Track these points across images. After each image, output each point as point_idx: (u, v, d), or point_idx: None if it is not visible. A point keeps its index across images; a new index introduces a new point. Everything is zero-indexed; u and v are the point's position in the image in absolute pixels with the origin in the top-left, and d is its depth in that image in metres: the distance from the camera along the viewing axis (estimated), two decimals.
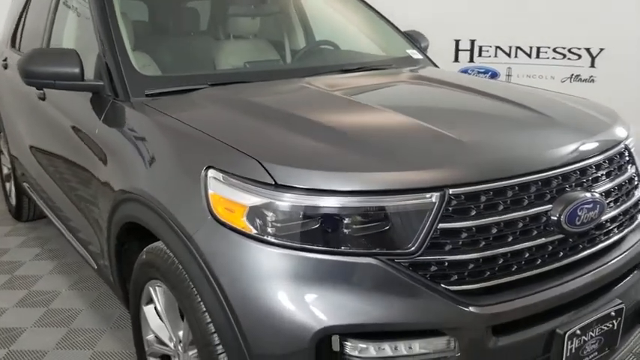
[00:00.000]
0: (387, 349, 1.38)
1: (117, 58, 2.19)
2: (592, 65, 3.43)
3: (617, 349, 1.72)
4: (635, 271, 1.77)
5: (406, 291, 1.37)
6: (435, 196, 1.40)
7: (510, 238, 1.46)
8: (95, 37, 2.33)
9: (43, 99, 2.72)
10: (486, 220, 1.43)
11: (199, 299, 1.55)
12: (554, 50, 3.54)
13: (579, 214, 1.52)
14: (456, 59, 3.81)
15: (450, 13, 3.67)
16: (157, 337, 1.95)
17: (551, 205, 1.52)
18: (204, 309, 1.54)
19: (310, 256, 1.38)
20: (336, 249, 1.38)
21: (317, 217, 1.39)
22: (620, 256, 1.68)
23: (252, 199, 1.43)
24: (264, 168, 1.44)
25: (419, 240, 1.38)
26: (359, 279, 1.37)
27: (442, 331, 1.40)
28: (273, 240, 1.40)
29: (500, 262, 1.45)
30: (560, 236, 1.53)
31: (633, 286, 1.74)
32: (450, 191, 1.41)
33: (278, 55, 2.81)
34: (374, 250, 1.38)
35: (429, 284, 1.38)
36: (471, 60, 3.84)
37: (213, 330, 1.52)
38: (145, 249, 1.84)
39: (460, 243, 1.41)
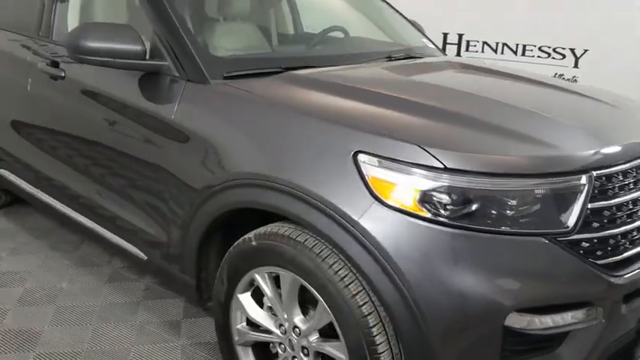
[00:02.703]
0: (549, 320, 1.48)
1: (182, 39, 2.08)
2: (575, 66, 3.74)
3: None
4: None
5: (569, 267, 1.50)
6: (584, 178, 1.51)
7: (637, 214, 1.61)
8: (144, 14, 2.16)
9: (62, 78, 2.45)
10: (620, 199, 1.59)
11: (347, 283, 1.55)
12: (540, 49, 3.83)
13: None
14: (443, 52, 3.97)
15: (439, 6, 3.83)
16: (253, 324, 1.91)
17: None
18: (355, 292, 1.54)
19: (486, 237, 1.45)
20: (507, 229, 1.46)
21: (487, 198, 1.47)
22: None
23: (424, 183, 1.47)
24: (429, 153, 1.48)
25: (574, 219, 1.49)
26: (530, 257, 1.47)
27: (590, 301, 1.51)
28: (449, 222, 1.46)
29: (629, 237, 1.60)
30: None
31: None
32: (595, 173, 1.53)
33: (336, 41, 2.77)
34: (539, 230, 1.48)
35: (584, 260, 1.50)
36: (458, 54, 4.04)
37: (367, 313, 1.54)
38: (252, 235, 1.78)
39: (605, 220, 1.54)
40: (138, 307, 2.68)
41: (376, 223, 1.48)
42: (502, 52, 3.87)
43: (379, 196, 1.49)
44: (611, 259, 1.56)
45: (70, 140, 2.53)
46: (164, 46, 2.09)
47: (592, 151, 1.61)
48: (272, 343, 1.90)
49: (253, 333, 1.92)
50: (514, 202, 1.46)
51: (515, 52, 3.84)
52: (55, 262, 3.07)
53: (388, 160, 1.51)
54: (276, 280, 1.81)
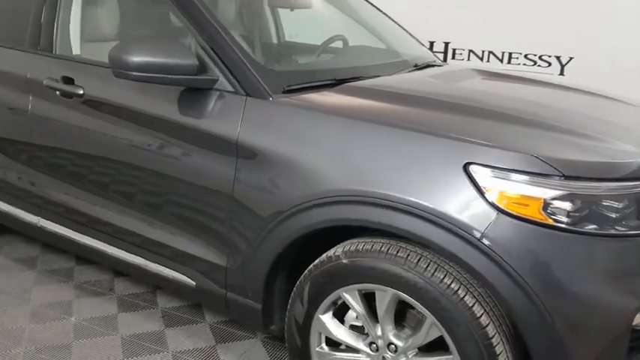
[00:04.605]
0: None
1: (235, 53, 2.02)
2: (561, 73, 3.95)
3: None
4: None
5: None
6: None
7: None
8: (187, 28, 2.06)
9: (79, 95, 2.26)
10: None
11: (462, 295, 1.58)
12: (526, 57, 4.02)
13: None
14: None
15: (425, 15, 3.94)
16: (333, 345, 1.89)
17: None
18: (471, 304, 1.58)
19: (605, 240, 1.53)
20: (620, 231, 1.54)
21: (602, 203, 1.54)
22: None
23: (548, 192, 1.51)
24: (546, 162, 1.53)
25: None
26: None
27: None
28: (572, 228, 1.52)
29: None
30: None
31: None
32: None
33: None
34: None
35: None
36: (445, 61, 4.14)
37: (485, 324, 1.57)
38: (340, 252, 1.76)
39: None
40: (164, 335, 2.53)
41: (503, 234, 1.51)
42: (488, 60, 4.05)
43: (502, 207, 1.52)
44: None
45: (94, 164, 2.35)
46: (213, 61, 2.01)
47: None
48: None
49: (338, 354, 1.88)
50: (625, 205, 1.54)
51: (502, 60, 4.03)
52: (51, 295, 2.83)
53: (505, 171, 1.54)
54: (365, 297, 1.79)
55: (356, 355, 1.85)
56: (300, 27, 3.22)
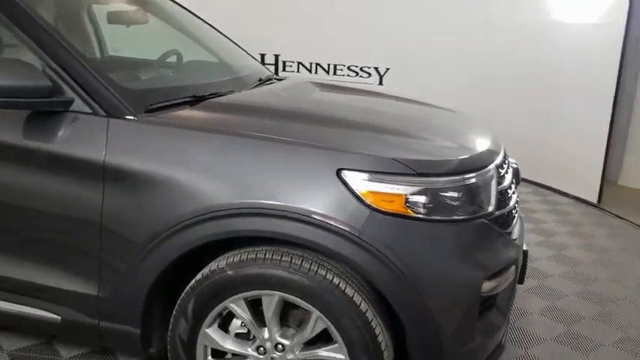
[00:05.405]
0: (493, 283, 1.89)
1: (90, 73, 1.96)
2: (380, 83, 4.36)
3: None
4: None
5: (500, 239, 1.94)
6: (492, 169, 1.98)
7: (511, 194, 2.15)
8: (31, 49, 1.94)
9: None
10: (504, 184, 2.09)
11: (343, 288, 1.76)
12: (349, 68, 4.35)
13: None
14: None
15: (256, 29, 4.05)
16: (219, 356, 1.95)
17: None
18: (351, 295, 1.77)
19: (453, 224, 1.81)
20: (462, 217, 1.83)
21: (444, 195, 1.82)
22: None
23: (407, 189, 1.76)
24: (403, 163, 1.78)
25: (494, 201, 1.94)
26: (480, 236, 1.87)
27: (513, 263, 1.99)
28: (427, 217, 1.77)
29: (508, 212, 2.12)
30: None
31: None
32: (493, 165, 2.01)
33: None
34: (478, 214, 1.88)
35: (502, 231, 1.96)
36: (276, 73, 4.29)
37: (365, 310, 1.77)
38: (224, 264, 1.83)
39: (503, 200, 2.03)
40: None
41: (377, 229, 1.72)
42: (316, 72, 4.34)
43: (372, 205, 1.73)
44: (509, 229, 2.07)
45: None
46: (65, 82, 1.91)
47: (486, 148, 2.11)
48: None
49: None
50: (461, 194, 1.85)
51: (328, 72, 4.35)
52: None
53: (371, 173, 1.75)
54: (251, 303, 1.87)
55: None
56: (125, 41, 3.12)
